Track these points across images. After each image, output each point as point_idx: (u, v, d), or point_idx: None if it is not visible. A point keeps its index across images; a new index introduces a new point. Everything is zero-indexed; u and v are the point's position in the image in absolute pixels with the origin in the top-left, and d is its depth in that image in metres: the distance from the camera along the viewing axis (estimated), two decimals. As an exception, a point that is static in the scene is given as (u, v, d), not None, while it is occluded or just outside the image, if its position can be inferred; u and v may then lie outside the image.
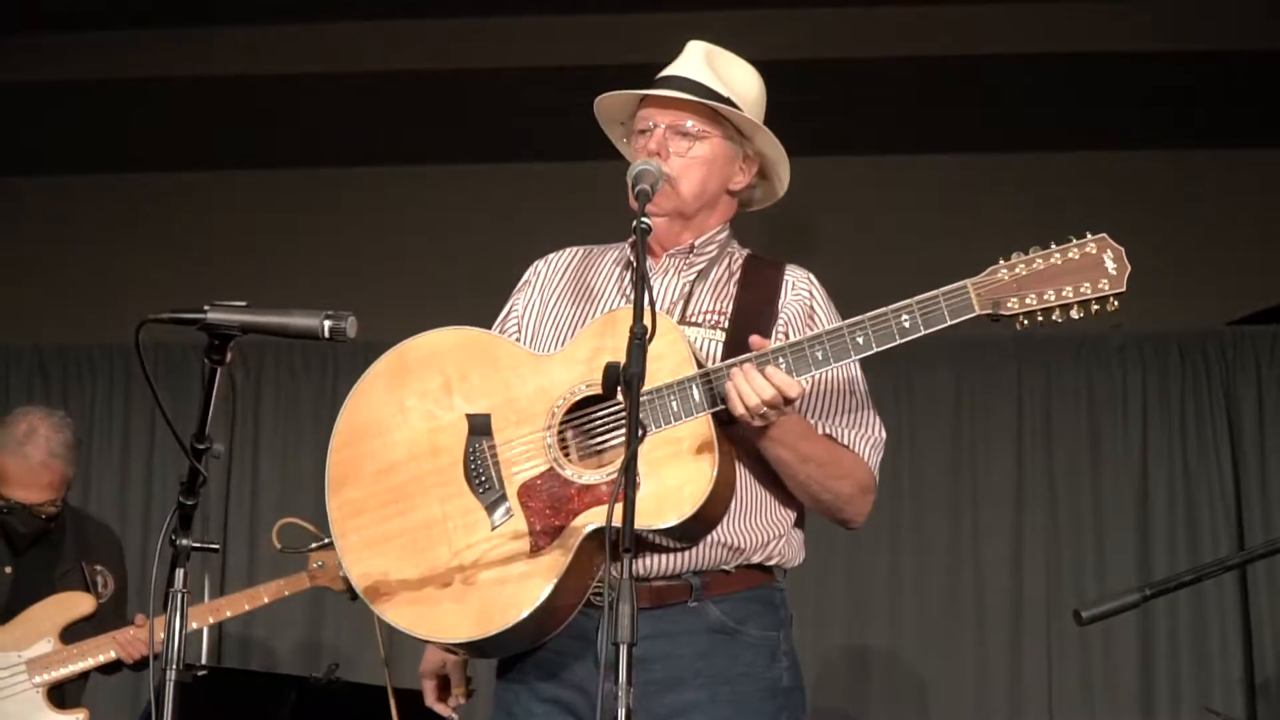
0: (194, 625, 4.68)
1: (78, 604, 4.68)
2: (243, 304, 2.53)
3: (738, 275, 3.05)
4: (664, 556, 2.87)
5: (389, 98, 6.60)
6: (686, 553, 2.87)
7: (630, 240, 3.12)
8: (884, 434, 3.03)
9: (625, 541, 2.40)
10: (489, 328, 3.18)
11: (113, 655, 4.64)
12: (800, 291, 3.03)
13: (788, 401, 2.73)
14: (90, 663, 4.64)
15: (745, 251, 3.13)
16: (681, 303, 3.01)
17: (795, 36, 6.01)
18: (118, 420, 6.97)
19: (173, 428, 2.60)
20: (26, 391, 6.99)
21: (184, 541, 2.63)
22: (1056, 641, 6.48)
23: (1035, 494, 6.65)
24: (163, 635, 2.57)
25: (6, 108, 6.57)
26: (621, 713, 2.37)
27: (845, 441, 2.97)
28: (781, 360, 2.75)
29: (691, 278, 3.05)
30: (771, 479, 2.93)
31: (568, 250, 3.22)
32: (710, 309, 3.00)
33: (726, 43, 3.12)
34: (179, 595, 2.60)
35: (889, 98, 6.51)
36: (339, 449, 2.99)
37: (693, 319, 2.98)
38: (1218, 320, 6.75)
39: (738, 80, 3.06)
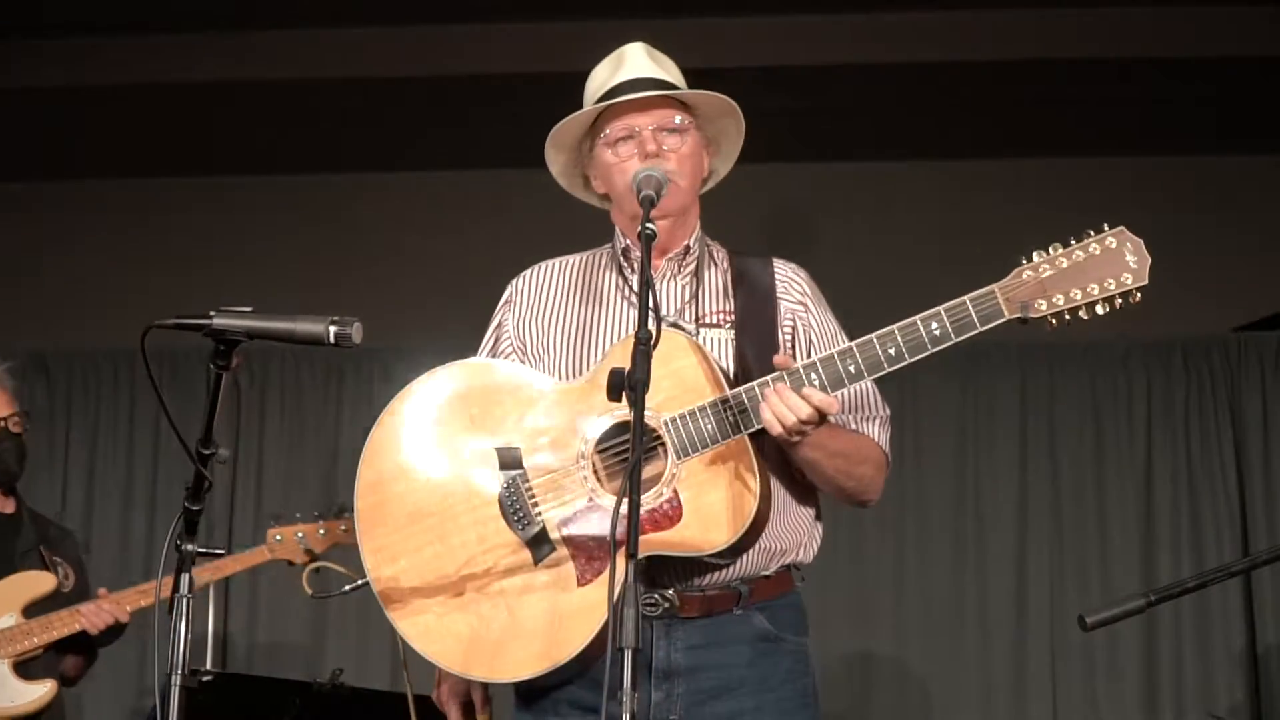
0: (142, 604, 4.72)
1: (40, 582, 4.70)
2: (248, 309, 2.53)
3: (730, 273, 3.05)
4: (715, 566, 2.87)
5: (391, 103, 6.60)
6: (740, 562, 2.88)
7: (611, 245, 3.13)
8: (888, 409, 3.04)
9: (631, 546, 2.41)
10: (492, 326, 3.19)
11: (77, 627, 4.63)
12: (795, 291, 3.04)
13: (823, 419, 2.74)
14: (54, 635, 4.63)
15: (720, 246, 3.14)
16: (691, 305, 3.01)
17: (795, 43, 6.02)
18: (122, 426, 6.98)
19: (178, 433, 2.60)
20: (31, 397, 6.98)
21: (189, 547, 2.63)
22: (1060, 647, 6.47)
23: (1039, 499, 6.64)
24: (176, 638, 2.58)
25: (9, 113, 6.58)
26: (626, 717, 2.35)
27: (855, 426, 2.99)
28: (814, 376, 2.74)
29: (686, 280, 3.05)
30: (790, 477, 2.94)
31: (545, 264, 3.20)
32: (718, 309, 3.00)
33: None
34: (184, 600, 2.60)
35: (895, 103, 6.51)
36: (365, 494, 2.95)
37: (706, 320, 2.98)
38: (1223, 326, 6.75)
39: (677, 72, 3.09)
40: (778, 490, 2.92)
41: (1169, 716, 6.40)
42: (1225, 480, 6.57)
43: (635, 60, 3.07)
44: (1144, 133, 6.71)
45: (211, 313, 2.52)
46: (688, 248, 3.07)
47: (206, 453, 2.56)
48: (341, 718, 4.84)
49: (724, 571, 2.88)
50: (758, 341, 2.87)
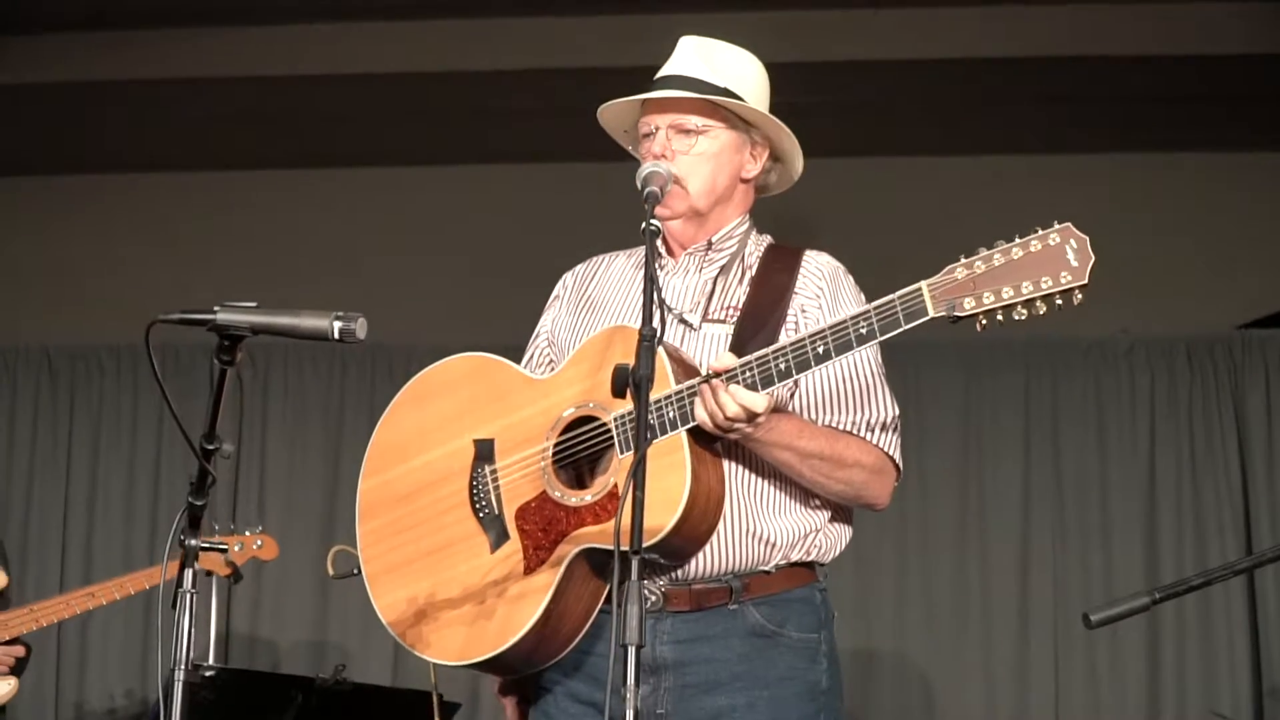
0: (68, 614, 4.74)
1: None
2: (252, 305, 2.53)
3: (754, 268, 3.04)
4: (704, 559, 2.87)
5: (399, 99, 6.60)
6: (726, 554, 2.88)
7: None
8: (894, 411, 2.99)
9: (635, 544, 2.41)
10: (503, 330, 3.20)
11: (34, 626, 4.67)
12: (813, 285, 3.01)
13: (753, 417, 2.73)
14: (15, 632, 4.65)
15: (766, 241, 3.12)
16: (703, 300, 3.01)
17: (800, 38, 6.02)
18: (125, 421, 6.98)
19: (182, 428, 2.60)
20: (34, 392, 7.00)
21: (192, 542, 2.63)
22: (1063, 645, 6.47)
23: (1042, 497, 6.63)
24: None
25: (11, 108, 6.58)
26: (630, 715, 2.36)
27: (848, 428, 2.95)
28: (749, 374, 2.73)
29: (713, 274, 3.04)
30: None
31: (592, 260, 3.24)
32: (729, 304, 2.99)
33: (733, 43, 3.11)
34: (187, 595, 2.60)
35: (895, 100, 6.51)
36: (366, 477, 3.09)
37: (715, 316, 2.98)
38: (1226, 324, 6.73)
39: (734, 68, 3.04)
40: (778, 485, 2.92)
41: (1171, 714, 6.40)
42: (1229, 478, 6.56)
43: (678, 56, 3.07)
44: (1147, 129, 6.70)
45: (216, 307, 2.52)
46: (710, 243, 3.06)
47: (210, 447, 2.57)
48: (344, 713, 4.84)
49: (714, 565, 2.88)
50: (757, 337, 2.86)
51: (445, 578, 2.92)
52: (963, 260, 2.65)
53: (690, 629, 2.87)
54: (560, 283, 3.25)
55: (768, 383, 2.73)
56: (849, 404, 2.96)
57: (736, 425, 2.74)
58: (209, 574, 4.80)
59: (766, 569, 2.92)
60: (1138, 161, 6.87)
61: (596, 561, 2.82)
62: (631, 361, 2.62)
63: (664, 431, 2.78)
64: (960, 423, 6.72)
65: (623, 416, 2.81)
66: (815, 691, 2.94)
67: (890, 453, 2.98)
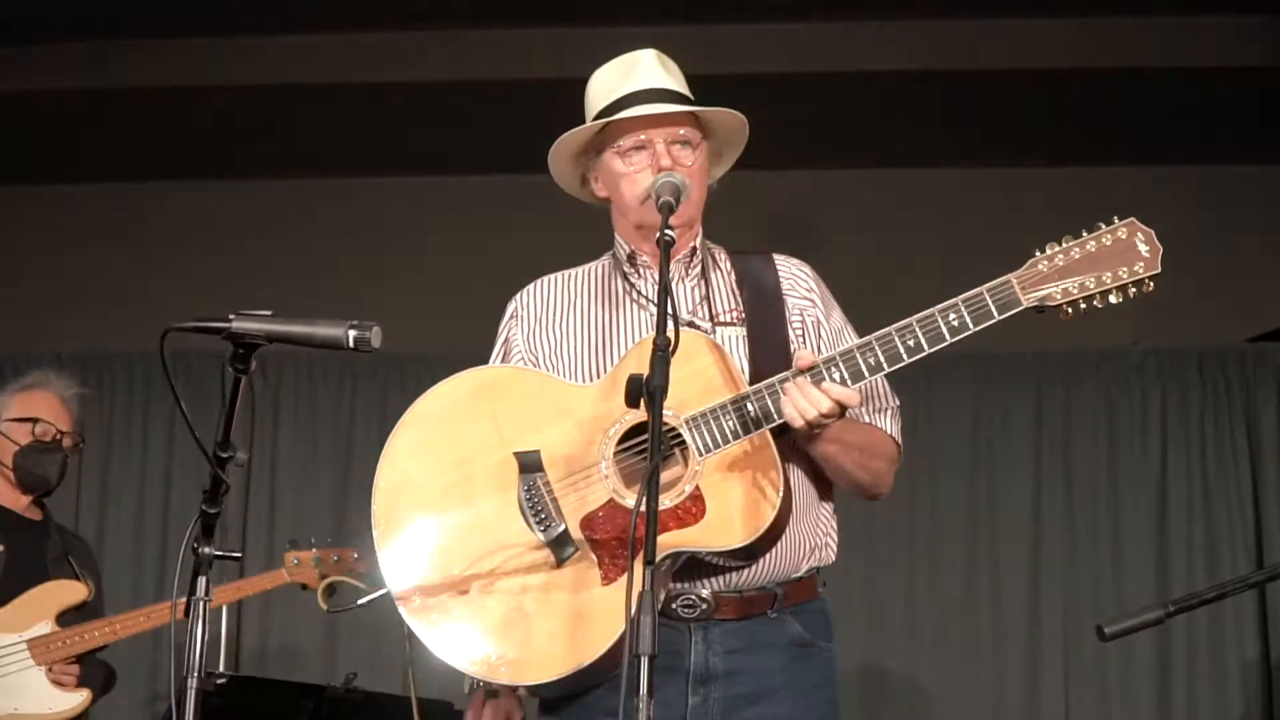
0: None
1: (74, 591, 4.69)
2: (267, 313, 2.53)
3: (734, 272, 3.07)
4: (758, 564, 2.87)
5: (411, 108, 6.61)
6: (773, 561, 2.89)
7: (612, 254, 3.14)
8: (898, 400, 3.06)
9: (649, 553, 2.40)
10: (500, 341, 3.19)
11: (112, 639, 4.66)
12: (801, 286, 3.07)
13: (843, 412, 2.77)
14: (89, 645, 4.62)
15: (720, 247, 3.15)
16: (704, 305, 3.02)
17: (810, 51, 6.03)
18: (136, 428, 6.98)
19: (196, 438, 2.61)
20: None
21: (206, 549, 2.63)
22: (1074, 658, 6.46)
23: (1053, 510, 6.62)
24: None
25: (27, 115, 6.60)
26: (644, 721, 2.35)
27: (867, 418, 3.00)
28: (835, 370, 2.77)
29: (695, 282, 3.06)
30: (814, 474, 2.97)
31: (547, 278, 3.19)
32: (729, 307, 3.02)
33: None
34: (200, 603, 2.60)
35: (904, 112, 6.51)
36: (383, 499, 2.92)
37: (720, 319, 3.00)
38: (1237, 336, 6.73)
39: (683, 82, 3.09)
40: (804, 486, 2.95)
41: (1182, 727, 6.40)
42: (1240, 490, 6.56)
43: (648, 69, 3.06)
44: (1157, 142, 6.70)
45: (230, 316, 2.52)
46: (694, 249, 3.08)
47: (224, 455, 2.57)
48: (354, 721, 4.85)
49: (758, 572, 2.88)
50: (769, 337, 2.91)
51: (508, 597, 2.81)
52: (1041, 254, 2.80)
53: (738, 638, 2.89)
54: (515, 302, 3.18)
55: (857, 377, 2.77)
56: (866, 394, 2.98)
57: (825, 422, 2.76)
58: (303, 587, 4.80)
59: (799, 575, 2.95)
60: (1148, 174, 6.86)
61: (674, 565, 2.81)
62: (673, 362, 2.59)
63: (746, 430, 2.79)
64: (971, 435, 6.72)
65: (695, 419, 2.80)
66: (835, 703, 3.00)
67: (899, 439, 3.05)
